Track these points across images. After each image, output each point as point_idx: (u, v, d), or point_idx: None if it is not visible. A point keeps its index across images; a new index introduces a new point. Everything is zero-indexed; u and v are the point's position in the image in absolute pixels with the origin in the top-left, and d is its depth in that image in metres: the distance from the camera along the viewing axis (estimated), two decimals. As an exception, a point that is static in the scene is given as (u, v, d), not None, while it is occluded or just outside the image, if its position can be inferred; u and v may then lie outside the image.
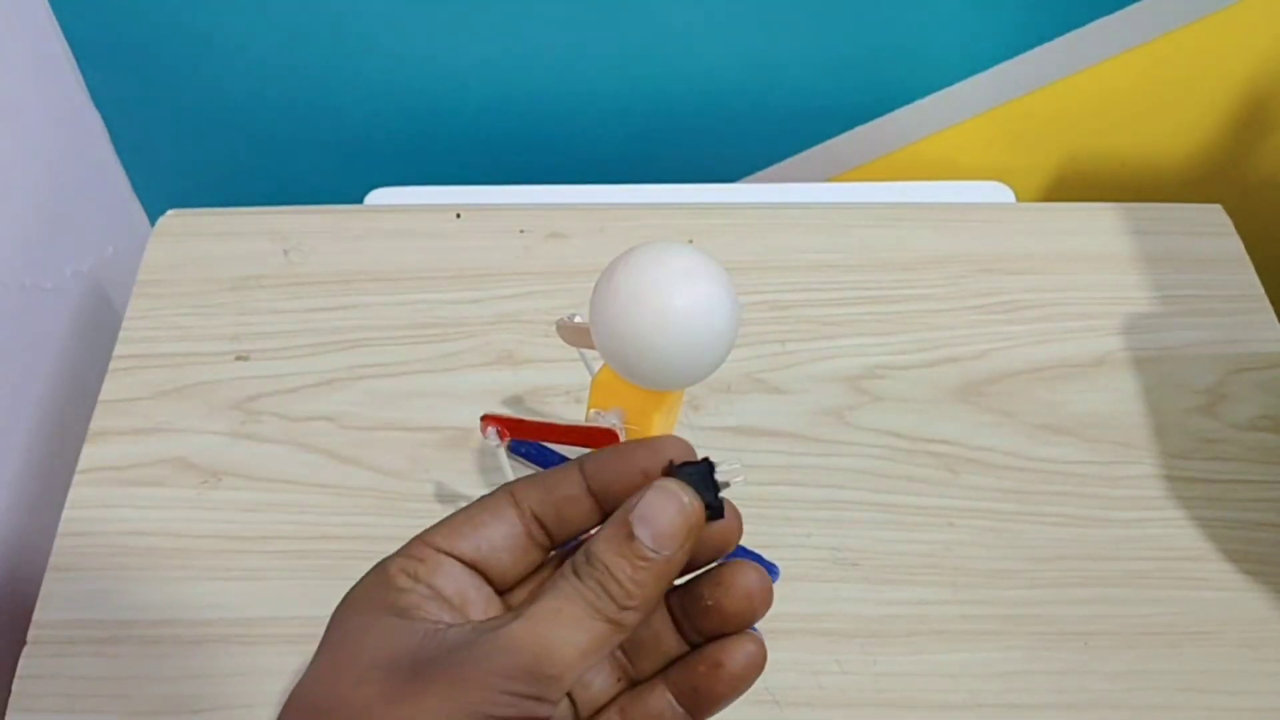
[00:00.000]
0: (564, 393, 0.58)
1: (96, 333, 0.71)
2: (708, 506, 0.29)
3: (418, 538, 0.30)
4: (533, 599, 0.29)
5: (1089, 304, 0.62)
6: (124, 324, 0.61)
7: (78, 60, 0.71)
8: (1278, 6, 0.71)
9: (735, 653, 0.31)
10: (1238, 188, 0.81)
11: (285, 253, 0.64)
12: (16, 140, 0.65)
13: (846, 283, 0.63)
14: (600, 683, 0.32)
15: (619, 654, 0.32)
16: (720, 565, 0.31)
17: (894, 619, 0.51)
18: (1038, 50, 0.73)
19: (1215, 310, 0.62)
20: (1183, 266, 0.64)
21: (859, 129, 0.77)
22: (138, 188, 0.79)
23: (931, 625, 0.51)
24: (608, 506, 0.31)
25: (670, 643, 0.32)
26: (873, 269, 0.64)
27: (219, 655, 0.50)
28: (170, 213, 0.66)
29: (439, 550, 0.30)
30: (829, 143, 0.78)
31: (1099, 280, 0.63)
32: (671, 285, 0.39)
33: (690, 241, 0.56)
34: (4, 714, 0.49)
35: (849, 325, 0.61)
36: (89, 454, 0.56)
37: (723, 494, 0.30)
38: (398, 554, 0.30)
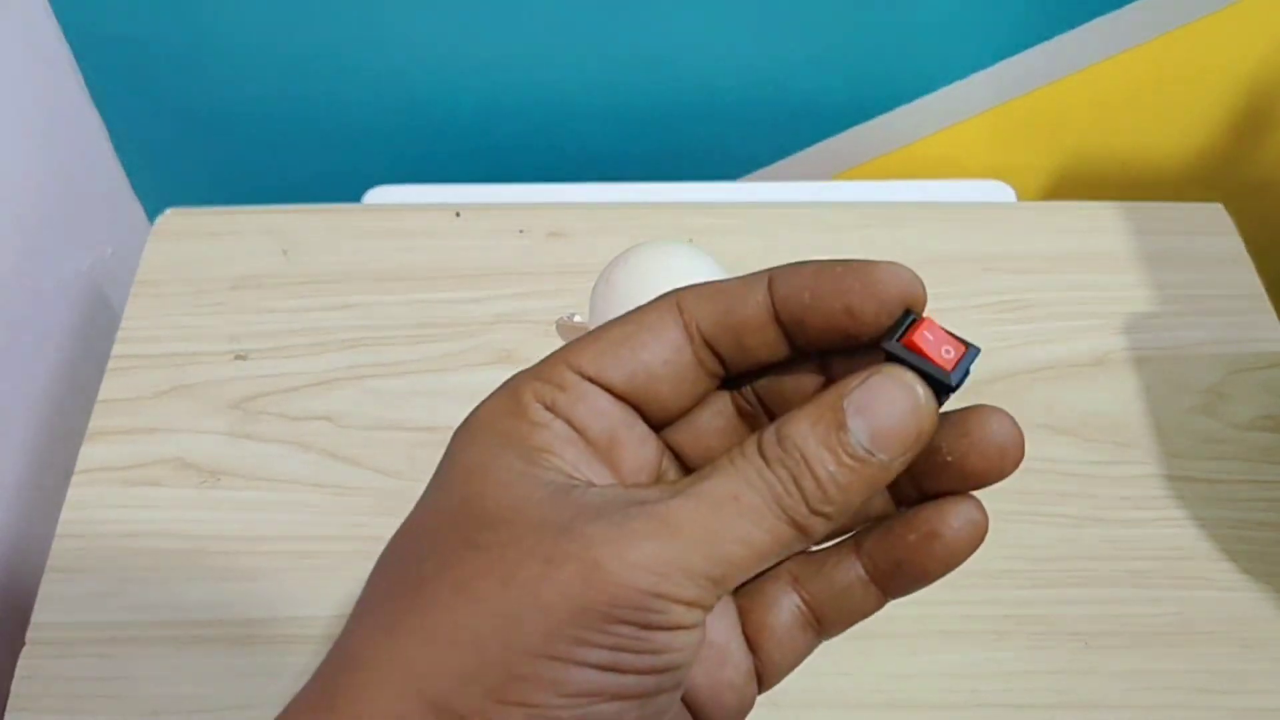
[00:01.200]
0: (564, 392, 0.58)
1: (95, 332, 0.71)
2: (938, 389, 0.23)
3: (557, 356, 0.25)
4: (700, 475, 0.23)
5: (1089, 304, 0.62)
6: (122, 323, 0.61)
7: (78, 60, 0.71)
8: (1278, 6, 0.71)
9: (954, 519, 0.25)
10: (1238, 187, 0.81)
11: (284, 252, 0.64)
12: (16, 140, 0.65)
13: (846, 282, 0.63)
14: None
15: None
16: (965, 410, 0.25)
17: (894, 619, 0.51)
18: (1038, 49, 0.73)
19: (1215, 310, 0.62)
20: (1183, 266, 0.64)
21: (859, 127, 0.77)
22: (137, 187, 0.79)
23: (931, 625, 0.51)
24: (799, 340, 0.25)
25: (876, 500, 0.26)
26: (873, 268, 0.64)
27: (219, 655, 0.50)
28: (169, 212, 0.66)
29: (585, 376, 0.24)
30: (829, 141, 0.78)
31: (1099, 280, 0.63)
32: (671, 284, 0.39)
33: (690, 240, 0.56)
34: (3, 715, 0.49)
35: (849, 325, 0.61)
36: (87, 454, 0.56)
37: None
38: (533, 374, 0.25)
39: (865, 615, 0.27)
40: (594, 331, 0.25)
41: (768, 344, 0.25)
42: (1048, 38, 0.72)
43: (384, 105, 0.75)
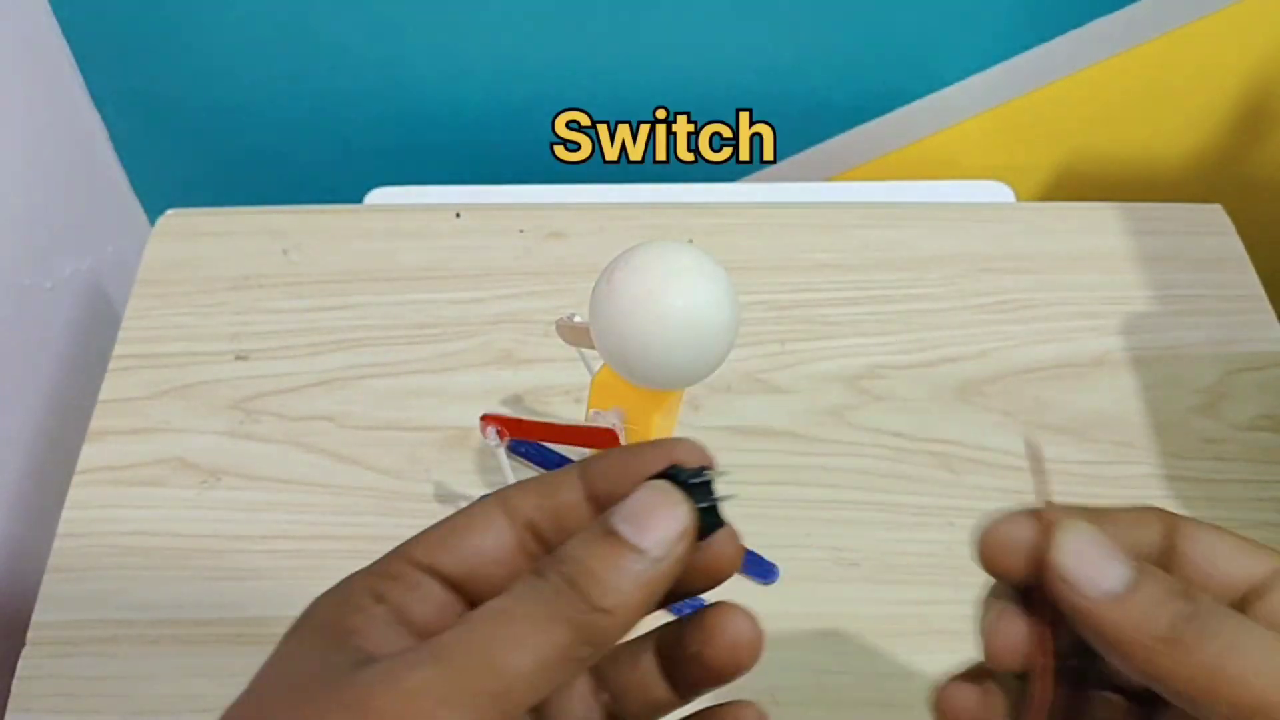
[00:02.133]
0: (564, 393, 0.58)
1: (96, 332, 0.71)
2: (703, 517, 0.25)
3: (395, 551, 0.26)
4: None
5: (1089, 304, 0.62)
6: (123, 323, 0.61)
7: (78, 60, 0.71)
8: (1278, 6, 0.71)
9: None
10: (1238, 188, 0.81)
11: (285, 252, 0.64)
12: (16, 140, 0.65)
13: (846, 283, 0.63)
14: None
15: (605, 698, 0.28)
16: (706, 608, 0.27)
17: (894, 619, 0.51)
18: (1038, 50, 0.73)
19: (1215, 310, 0.62)
20: (1183, 266, 0.64)
21: (859, 128, 0.77)
22: (137, 187, 0.79)
23: (931, 625, 0.51)
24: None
25: (659, 693, 0.28)
26: (873, 269, 0.64)
27: (219, 655, 0.50)
28: (170, 212, 0.66)
29: (418, 566, 0.26)
30: (829, 142, 0.78)
31: (1099, 280, 0.63)
32: (671, 285, 0.39)
33: (690, 241, 0.56)
34: (4, 715, 0.49)
35: (849, 325, 0.61)
36: (88, 454, 0.56)
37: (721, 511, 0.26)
38: (369, 569, 0.26)
39: None
40: (428, 529, 0.26)
41: (583, 523, 0.26)
42: (1048, 38, 0.72)
43: (385, 107, 0.75)
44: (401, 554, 0.26)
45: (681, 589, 0.26)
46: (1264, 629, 0.25)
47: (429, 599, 0.25)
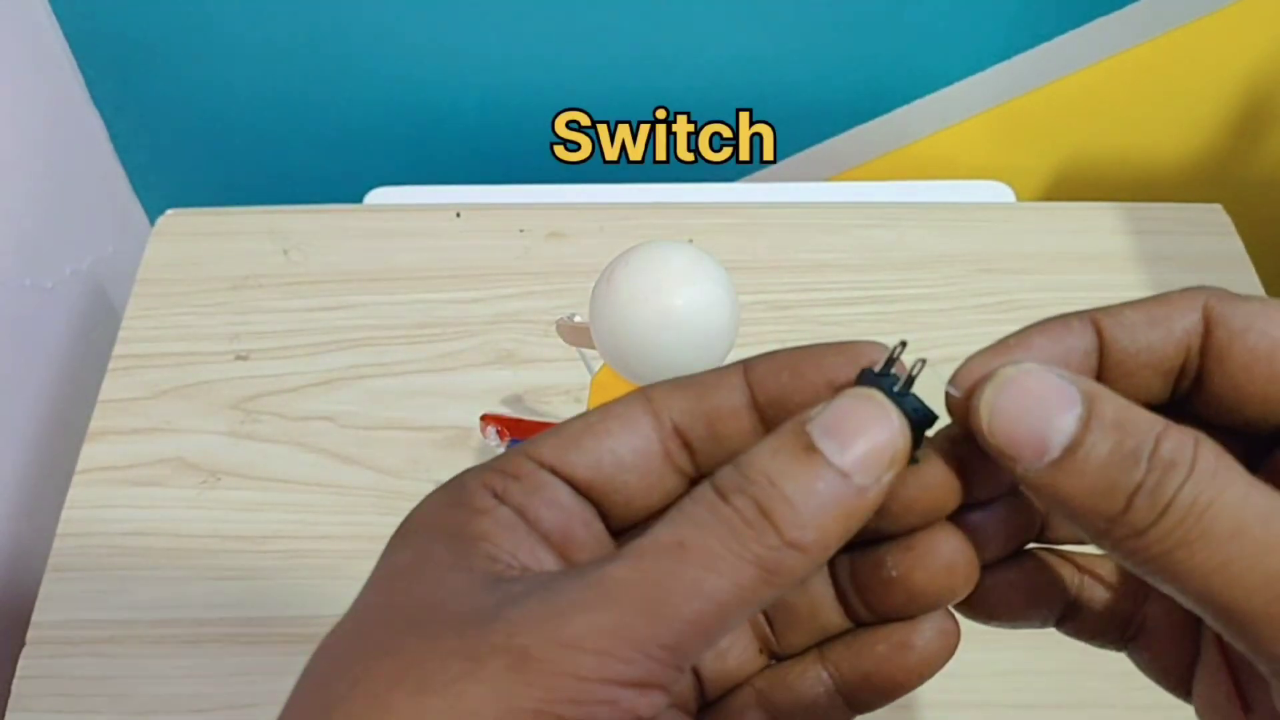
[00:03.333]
0: (564, 393, 0.58)
1: (96, 332, 0.71)
2: (914, 436, 0.21)
3: (516, 450, 0.22)
4: (642, 532, 0.20)
5: (1089, 304, 0.62)
6: (123, 323, 0.61)
7: (78, 60, 0.71)
8: (1278, 6, 0.71)
9: (928, 629, 0.23)
10: (1238, 188, 0.81)
11: (285, 252, 0.64)
12: (16, 140, 0.65)
13: (846, 283, 0.63)
14: (738, 652, 0.24)
15: (760, 618, 0.24)
16: (916, 529, 0.23)
17: (894, 619, 0.51)
18: (1038, 49, 0.73)
19: (1215, 310, 0.62)
20: (1183, 266, 0.64)
21: (859, 128, 0.77)
22: (137, 187, 0.79)
23: (931, 625, 0.51)
24: (776, 426, 0.22)
25: (831, 616, 0.24)
26: (873, 269, 0.64)
27: (219, 655, 0.50)
28: (169, 212, 0.66)
29: (543, 465, 0.22)
30: (829, 142, 0.78)
31: (1099, 280, 0.63)
32: (671, 285, 0.39)
33: (690, 241, 0.56)
34: (3, 715, 0.49)
35: (849, 325, 0.61)
36: (88, 454, 0.56)
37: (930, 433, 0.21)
38: (485, 466, 0.22)
39: None
40: (554, 428, 0.23)
41: (742, 432, 0.23)
42: (1048, 38, 0.72)
43: (384, 106, 0.75)
44: (525, 452, 0.22)
45: (880, 529, 0.22)
46: (1240, 487, 0.20)
47: (556, 504, 0.22)
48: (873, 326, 0.61)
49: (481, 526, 0.21)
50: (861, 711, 0.24)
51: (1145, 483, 0.20)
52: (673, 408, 0.23)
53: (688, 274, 0.39)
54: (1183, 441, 0.20)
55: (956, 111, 0.77)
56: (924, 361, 0.22)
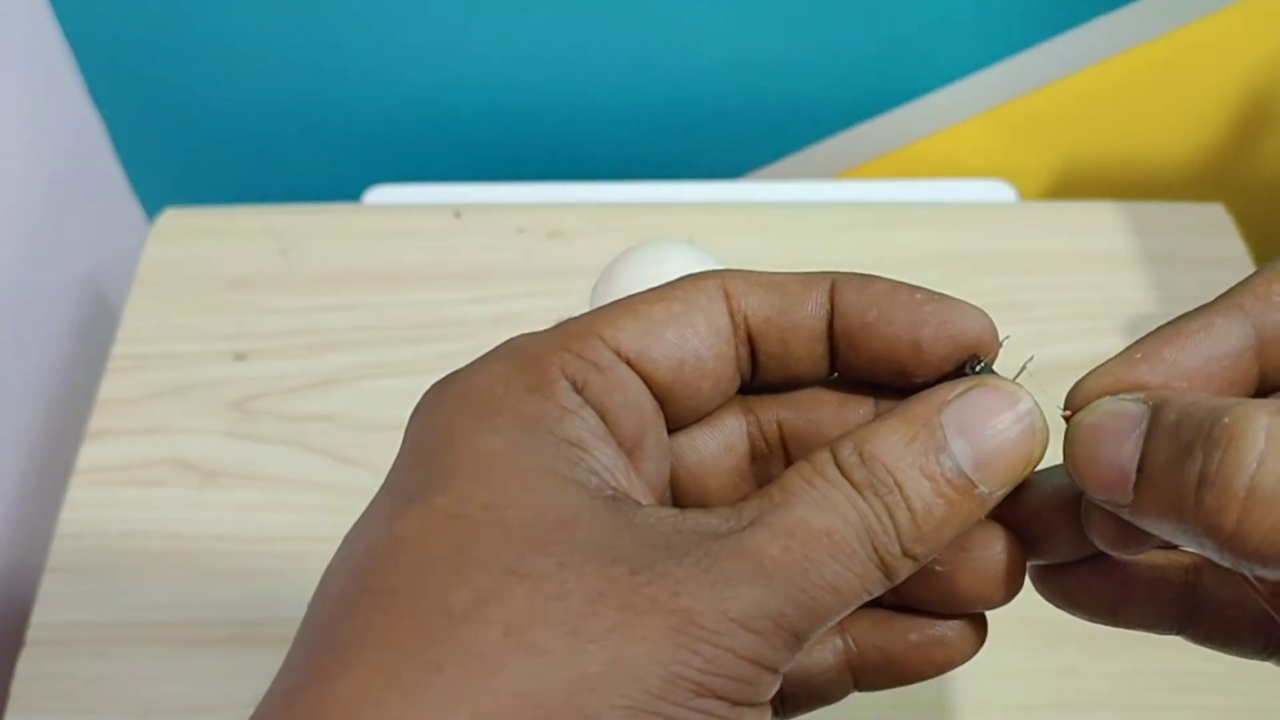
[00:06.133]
0: (564, 392, 0.58)
1: (95, 332, 0.71)
2: None
3: (590, 324, 0.20)
4: (774, 499, 0.18)
5: (1089, 304, 0.62)
6: (122, 323, 0.61)
7: (78, 60, 0.71)
8: (1278, 7, 0.71)
9: (967, 629, 0.23)
10: (1238, 188, 0.81)
11: (284, 252, 0.64)
12: (16, 140, 0.65)
13: (847, 282, 0.63)
14: None
15: None
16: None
17: (894, 619, 0.51)
18: (1040, 48, 0.73)
19: (1216, 310, 0.62)
20: (1183, 266, 0.64)
21: (860, 126, 0.77)
22: (136, 186, 0.79)
23: (932, 625, 0.51)
24: (844, 361, 0.21)
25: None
26: (874, 268, 0.63)
27: (219, 655, 0.50)
28: (168, 211, 0.66)
29: (623, 357, 0.20)
30: (830, 140, 0.78)
31: (1099, 279, 0.63)
32: (671, 285, 0.39)
33: (690, 240, 0.56)
34: (3, 715, 0.49)
35: (849, 325, 0.61)
36: (87, 454, 0.56)
37: None
38: (559, 342, 0.20)
39: (827, 703, 0.23)
40: (628, 303, 0.20)
41: (812, 357, 0.21)
42: (1048, 38, 0.72)
43: (384, 105, 0.75)
44: (602, 333, 0.20)
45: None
46: None
47: (636, 410, 0.19)
48: (873, 326, 0.61)
49: (574, 430, 0.19)
50: (863, 690, 0.23)
51: (1205, 471, 0.18)
52: (750, 303, 0.21)
53: (688, 273, 0.39)
54: (1240, 414, 0.18)
55: (957, 111, 0.76)
56: (1032, 358, 0.21)
